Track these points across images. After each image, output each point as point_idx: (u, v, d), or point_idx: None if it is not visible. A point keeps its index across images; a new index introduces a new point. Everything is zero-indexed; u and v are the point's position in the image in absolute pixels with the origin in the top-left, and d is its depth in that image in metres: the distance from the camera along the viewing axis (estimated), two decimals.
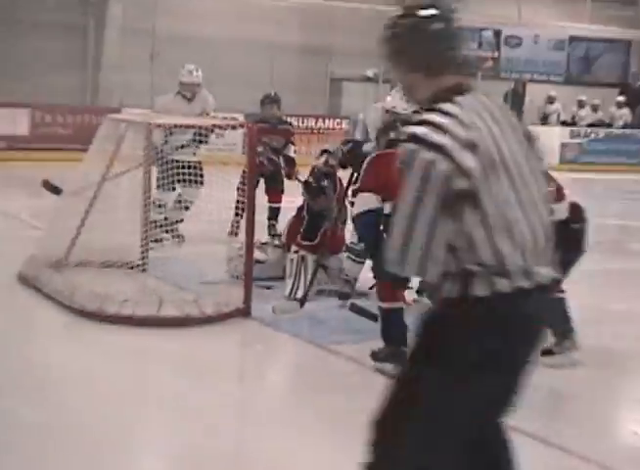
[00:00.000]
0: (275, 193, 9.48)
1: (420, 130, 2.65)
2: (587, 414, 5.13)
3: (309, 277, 6.85)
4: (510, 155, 2.72)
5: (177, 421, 4.61)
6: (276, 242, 8.07)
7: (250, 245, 6.66)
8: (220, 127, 8.08)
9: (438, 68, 2.87)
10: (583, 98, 22.80)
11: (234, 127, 7.78)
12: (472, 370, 2.68)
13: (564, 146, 21.61)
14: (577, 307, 7.43)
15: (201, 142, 8.67)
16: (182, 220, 8.83)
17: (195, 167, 8.47)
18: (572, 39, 24.47)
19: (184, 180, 8.42)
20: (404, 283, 5.85)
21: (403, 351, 5.13)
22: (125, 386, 5.01)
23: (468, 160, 2.61)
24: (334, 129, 19.21)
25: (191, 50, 15.82)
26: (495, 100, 2.86)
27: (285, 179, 9.47)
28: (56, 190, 7.70)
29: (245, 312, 6.51)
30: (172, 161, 8.30)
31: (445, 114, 2.67)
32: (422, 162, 2.61)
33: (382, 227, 5.58)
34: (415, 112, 4.96)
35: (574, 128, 22.06)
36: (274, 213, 9.37)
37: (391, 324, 5.57)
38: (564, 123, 22.36)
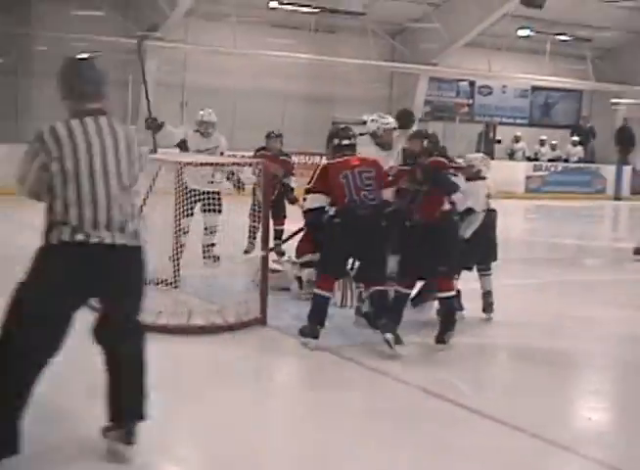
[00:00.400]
0: (279, 217, 9.34)
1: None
2: (546, 403, 5.03)
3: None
4: (89, 158, 3.66)
5: (207, 415, 4.54)
6: (286, 257, 8.05)
7: (265, 262, 6.58)
8: (239, 165, 7.98)
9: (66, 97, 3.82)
10: (544, 138, 22.90)
11: (251, 165, 7.68)
12: None
13: (528, 178, 21.68)
14: (542, 314, 7.39)
15: (228, 179, 8.51)
16: (214, 244, 8.64)
17: (214, 198, 8.20)
18: (534, 89, 24.53)
19: (206, 209, 8.25)
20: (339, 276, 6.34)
21: (319, 329, 5.90)
22: (162, 384, 4.92)
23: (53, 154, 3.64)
24: None
25: (215, 100, 15.69)
26: (112, 124, 3.76)
27: (287, 205, 9.44)
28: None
29: (262, 321, 6.43)
30: (192, 190, 8.13)
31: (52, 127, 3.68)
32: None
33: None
34: None
35: (537, 163, 22.14)
36: (279, 235, 9.25)
37: (319, 307, 5.94)
38: (528, 159, 22.43)
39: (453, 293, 6.23)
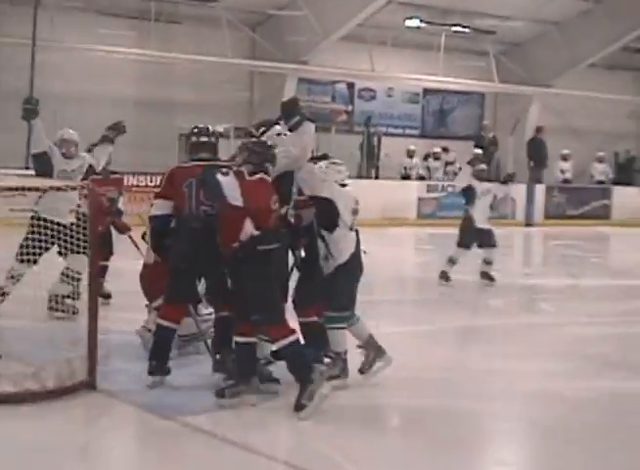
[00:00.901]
0: (103, 251, 9.23)
1: None
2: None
3: None
4: None
5: None
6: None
7: (93, 312, 6.58)
8: (59, 189, 7.91)
9: None
10: (438, 150, 23.38)
11: (74, 188, 7.65)
12: None
13: (420, 201, 22.02)
14: (435, 368, 7.64)
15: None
16: (69, 297, 8.65)
17: (71, 230, 7.77)
18: (427, 92, 25.21)
19: (64, 247, 8.01)
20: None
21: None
22: None
23: None
24: None
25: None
26: None
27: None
28: None
29: (90, 384, 6.42)
30: (44, 219, 8.11)
31: None
32: None
33: None
34: None
35: (431, 183, 22.52)
36: (103, 271, 9.20)
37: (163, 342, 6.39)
38: (422, 178, 22.79)
39: (290, 338, 6.16)
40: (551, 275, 14.77)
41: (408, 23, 22.72)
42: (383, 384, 7.03)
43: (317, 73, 22.83)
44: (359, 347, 7.06)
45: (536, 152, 24.33)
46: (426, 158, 23.48)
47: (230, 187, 6.16)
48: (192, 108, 20.69)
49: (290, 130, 6.78)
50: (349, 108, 24.35)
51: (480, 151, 23.39)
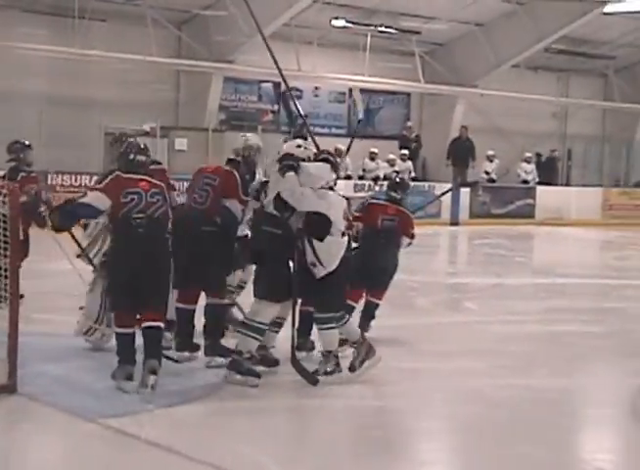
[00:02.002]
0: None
1: None
2: None
3: None
4: None
5: None
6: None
7: (14, 315, 6.48)
8: None
9: None
10: (375, 150, 23.31)
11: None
12: None
13: (347, 200, 21.95)
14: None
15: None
16: None
17: None
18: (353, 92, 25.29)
19: None
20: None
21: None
22: None
23: None
24: None
25: None
26: None
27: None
28: None
29: (10, 388, 6.34)
30: None
31: None
32: None
33: None
34: None
35: (359, 182, 22.62)
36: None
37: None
38: (347, 178, 22.85)
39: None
40: (475, 274, 14.94)
41: (334, 22, 22.80)
42: (306, 384, 7.04)
43: (243, 73, 22.77)
44: (352, 345, 7.33)
45: (460, 152, 24.57)
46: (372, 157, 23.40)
47: None
48: (117, 107, 20.53)
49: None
50: (276, 107, 24.34)
51: (406, 151, 23.81)
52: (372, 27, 23.36)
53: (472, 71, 25.29)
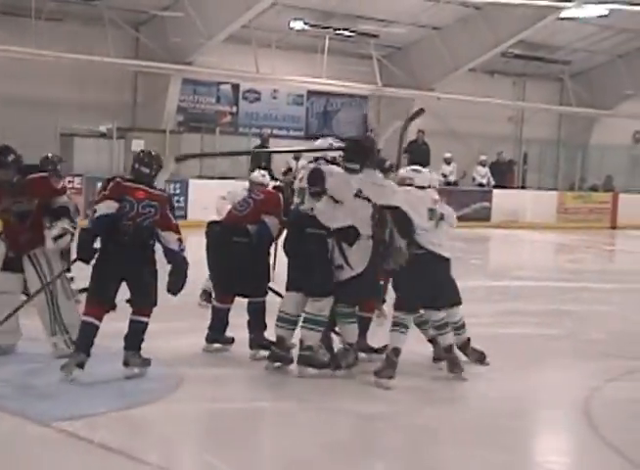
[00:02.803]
0: None
1: None
2: None
3: None
4: None
5: None
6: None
7: None
8: None
9: None
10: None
11: None
12: None
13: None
14: None
15: None
16: None
17: None
18: (311, 94, 25.33)
19: None
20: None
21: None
22: None
23: None
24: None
25: None
26: None
27: None
28: None
29: None
30: None
31: None
32: None
33: None
34: None
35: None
36: None
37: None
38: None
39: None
40: None
41: (293, 25, 22.80)
42: (268, 387, 7.02)
43: (202, 74, 22.72)
44: (344, 345, 7.59)
45: (416, 155, 24.59)
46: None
47: None
48: (73, 107, 20.38)
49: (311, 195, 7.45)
50: (234, 109, 24.31)
51: None
52: (330, 30, 23.41)
53: (429, 75, 25.40)
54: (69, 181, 18.98)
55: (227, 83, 23.90)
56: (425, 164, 24.43)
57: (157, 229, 7.08)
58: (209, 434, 5.93)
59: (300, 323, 7.49)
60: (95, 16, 20.28)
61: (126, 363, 6.98)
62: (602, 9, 23.46)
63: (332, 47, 23.83)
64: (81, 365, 6.80)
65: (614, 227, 26.99)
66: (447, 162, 25.14)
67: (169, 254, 7.16)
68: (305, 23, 22.80)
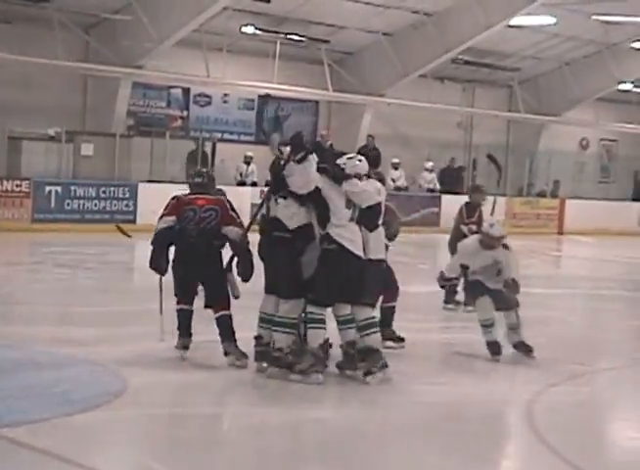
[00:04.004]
0: None
1: None
2: None
3: None
4: None
5: None
6: None
7: None
8: None
9: None
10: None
11: None
12: None
13: (254, 206, 21.86)
14: None
15: None
16: None
17: None
18: (262, 99, 25.29)
19: None
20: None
21: None
22: None
23: None
24: (12, 192, 18.72)
25: None
26: None
27: None
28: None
29: None
30: None
31: None
32: None
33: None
34: None
35: (265, 188, 22.46)
36: None
37: None
38: (254, 184, 22.80)
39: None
40: None
41: (244, 29, 22.78)
42: (221, 391, 6.99)
43: (152, 78, 22.62)
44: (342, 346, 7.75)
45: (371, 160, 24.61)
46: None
47: None
48: (22, 110, 20.21)
49: (297, 162, 7.52)
50: (185, 113, 24.24)
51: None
52: (281, 35, 23.41)
53: (379, 81, 25.49)
54: (17, 185, 18.86)
55: (178, 87, 23.83)
56: (376, 167, 24.60)
57: (222, 227, 7.91)
58: (152, 439, 5.90)
59: (272, 326, 7.59)
60: (44, 18, 20.11)
61: (226, 353, 7.76)
62: (550, 18, 23.77)
63: (283, 52, 23.85)
64: (187, 347, 7.88)
65: (560, 233, 27.27)
66: (395, 167, 25.25)
67: (234, 246, 7.89)
68: (257, 29, 22.79)
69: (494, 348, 8.61)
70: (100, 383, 7.04)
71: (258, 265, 7.81)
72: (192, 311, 7.95)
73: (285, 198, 7.56)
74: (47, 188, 19.38)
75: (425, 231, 23.72)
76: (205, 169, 8.78)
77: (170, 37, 20.78)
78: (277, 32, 23.31)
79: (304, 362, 7.43)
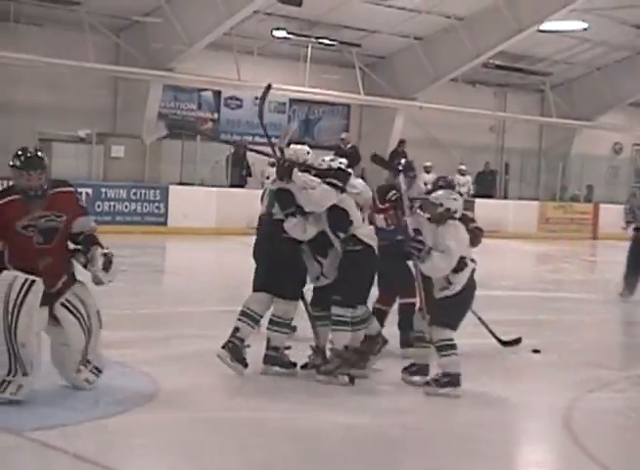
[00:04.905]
0: None
1: None
2: None
3: None
4: None
5: None
6: None
7: None
8: None
9: None
10: (328, 158, 23.13)
11: None
12: None
13: None
14: None
15: None
16: None
17: None
18: (293, 102, 25.29)
19: None
20: None
21: None
22: None
23: None
24: None
25: None
26: None
27: None
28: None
29: None
30: None
31: None
32: None
33: None
34: None
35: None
36: None
37: None
38: None
39: None
40: None
41: (275, 33, 22.78)
42: (251, 393, 6.95)
43: (182, 81, 22.65)
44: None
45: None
46: None
47: None
48: (53, 112, 20.30)
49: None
50: (215, 116, 24.24)
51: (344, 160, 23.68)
52: (313, 39, 23.39)
53: (411, 85, 25.43)
54: None
55: (208, 90, 23.84)
56: (357, 164, 24.39)
57: None
58: (184, 443, 5.83)
59: (267, 325, 7.59)
60: (75, 20, 20.18)
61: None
62: (581, 23, 23.68)
63: (314, 56, 23.85)
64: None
65: (594, 238, 27.07)
66: (427, 170, 25.09)
67: None
68: (288, 32, 22.78)
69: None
70: (131, 386, 6.98)
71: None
72: None
73: (294, 215, 7.40)
74: (78, 190, 19.37)
75: None
76: None
77: (201, 40, 20.81)
78: (308, 36, 23.28)
79: (331, 364, 7.39)
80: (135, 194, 20.11)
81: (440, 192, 7.70)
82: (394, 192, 8.08)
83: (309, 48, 23.72)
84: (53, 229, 6.46)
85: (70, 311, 6.52)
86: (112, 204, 19.78)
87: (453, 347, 7.28)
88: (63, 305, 6.50)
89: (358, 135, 26.46)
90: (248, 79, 22.54)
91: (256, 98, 24.20)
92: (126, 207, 19.98)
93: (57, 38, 20.35)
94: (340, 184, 7.43)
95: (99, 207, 19.55)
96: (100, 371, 6.75)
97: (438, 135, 26.96)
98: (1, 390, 6.21)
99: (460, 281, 7.35)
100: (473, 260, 7.60)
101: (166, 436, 6.06)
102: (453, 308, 7.36)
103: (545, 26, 23.60)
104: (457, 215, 7.51)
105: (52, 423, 5.94)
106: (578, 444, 6.29)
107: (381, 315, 8.36)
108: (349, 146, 24.21)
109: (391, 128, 26.05)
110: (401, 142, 24.87)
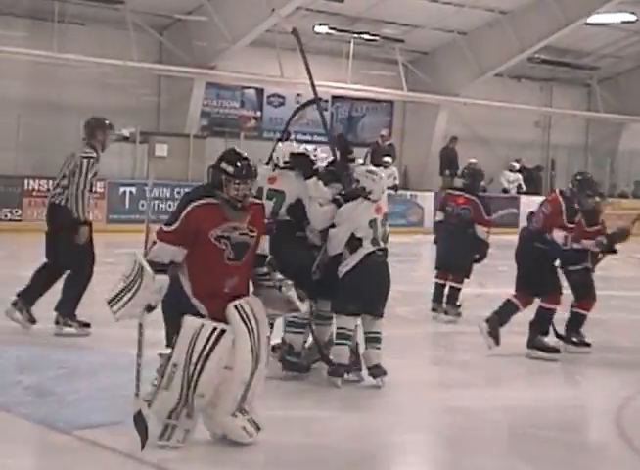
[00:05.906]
0: None
1: None
2: None
3: None
4: None
5: None
6: None
7: None
8: None
9: None
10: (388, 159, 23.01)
11: None
12: None
13: None
14: None
15: None
16: None
17: None
18: (335, 99, 25.26)
19: None
20: None
21: None
22: None
23: None
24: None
25: None
26: None
27: None
28: None
29: None
30: None
31: None
32: None
33: None
34: None
35: None
36: None
37: None
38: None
39: None
40: None
41: (317, 29, 22.78)
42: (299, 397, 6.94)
43: (225, 79, 22.72)
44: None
45: (448, 161, 24.54)
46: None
47: None
48: (97, 111, 20.18)
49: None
50: (258, 114, 24.29)
51: (389, 158, 23.65)
52: (355, 35, 23.37)
53: (455, 80, 25.32)
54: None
55: (251, 87, 23.89)
56: (455, 169, 24.46)
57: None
58: (228, 440, 5.83)
59: (285, 328, 7.51)
60: (118, 19, 20.31)
61: None
62: (629, 15, 23.41)
63: (357, 52, 23.81)
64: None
65: None
66: (471, 167, 24.99)
67: None
68: (330, 28, 22.78)
69: None
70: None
71: None
72: None
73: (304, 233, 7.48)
74: (121, 189, 19.56)
75: (504, 232, 23.43)
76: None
77: (244, 38, 20.86)
78: (350, 32, 23.27)
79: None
80: (179, 193, 20.17)
81: (362, 168, 7.68)
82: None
83: (352, 44, 23.67)
84: (244, 244, 5.70)
85: (242, 318, 5.66)
86: (155, 202, 19.86)
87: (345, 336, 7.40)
88: (235, 308, 5.67)
89: (402, 132, 26.40)
90: (290, 76, 22.54)
91: (299, 95, 24.36)
92: (170, 205, 20.05)
93: (101, 37, 20.49)
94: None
95: (142, 205, 19.62)
96: (259, 428, 5.76)
97: (482, 131, 26.82)
98: (166, 436, 5.61)
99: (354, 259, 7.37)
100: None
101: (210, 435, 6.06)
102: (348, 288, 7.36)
103: (592, 19, 23.39)
104: (372, 197, 7.42)
105: (100, 421, 5.97)
106: (631, 445, 6.25)
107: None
108: (387, 143, 24.25)
109: (435, 125, 25.97)
110: (453, 139, 24.88)
